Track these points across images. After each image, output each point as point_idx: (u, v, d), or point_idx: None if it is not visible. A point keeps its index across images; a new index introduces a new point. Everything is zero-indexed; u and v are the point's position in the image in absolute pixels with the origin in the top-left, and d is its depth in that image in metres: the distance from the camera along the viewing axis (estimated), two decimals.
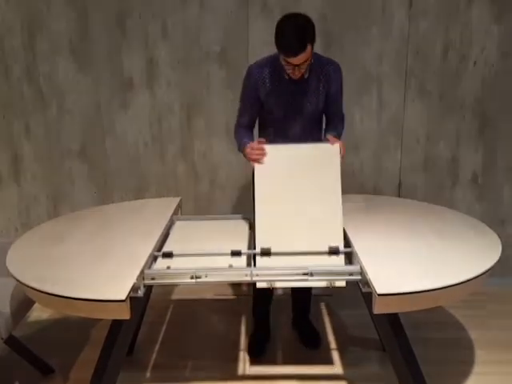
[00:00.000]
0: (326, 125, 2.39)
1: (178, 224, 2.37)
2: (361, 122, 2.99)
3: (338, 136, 2.26)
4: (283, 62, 2.06)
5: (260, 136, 2.32)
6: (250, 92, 2.22)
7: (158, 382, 2.37)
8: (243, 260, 1.91)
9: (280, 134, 2.27)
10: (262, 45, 2.84)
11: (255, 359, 2.50)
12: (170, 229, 2.31)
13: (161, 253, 1.97)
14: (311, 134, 2.30)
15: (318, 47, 2.84)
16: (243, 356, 2.54)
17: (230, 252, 1.95)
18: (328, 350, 2.57)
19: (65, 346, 2.65)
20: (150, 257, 1.88)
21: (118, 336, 1.82)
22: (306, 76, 2.17)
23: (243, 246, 2.03)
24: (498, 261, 1.81)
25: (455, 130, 2.99)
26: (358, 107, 2.97)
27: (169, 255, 1.95)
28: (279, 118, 2.25)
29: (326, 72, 2.21)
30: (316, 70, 2.20)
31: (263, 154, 2.08)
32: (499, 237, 2.00)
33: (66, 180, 3.14)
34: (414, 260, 1.80)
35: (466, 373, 2.37)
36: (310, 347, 2.59)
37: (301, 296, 2.68)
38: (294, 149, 2.09)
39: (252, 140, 2.20)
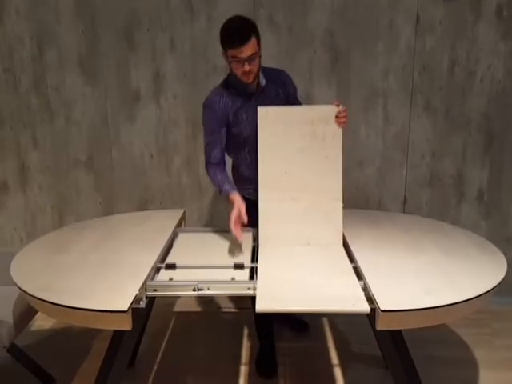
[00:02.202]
0: None
1: (181, 236, 2.37)
2: (366, 138, 3.00)
3: None
4: (232, 62, 2.09)
5: (235, 161, 2.41)
6: (218, 121, 2.23)
7: None
8: (246, 273, 1.90)
9: (255, 150, 2.21)
10: (268, 59, 2.85)
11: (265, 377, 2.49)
12: (174, 241, 2.31)
13: (164, 264, 1.97)
14: None
15: (325, 62, 2.87)
16: (245, 369, 2.52)
17: (232, 265, 1.95)
18: (330, 366, 2.55)
19: (66, 356, 2.65)
20: (152, 268, 1.88)
21: (119, 347, 1.82)
22: (263, 84, 2.25)
23: (246, 259, 2.03)
24: (504, 279, 1.79)
25: (461, 147, 2.99)
26: (363, 123, 2.97)
27: (172, 267, 1.95)
28: (249, 135, 2.26)
29: (280, 79, 2.32)
30: (271, 79, 2.29)
31: (238, 227, 2.12)
32: (505, 255, 1.99)
33: (71, 190, 3.15)
34: (418, 277, 1.79)
35: None
36: (300, 332, 2.82)
37: None
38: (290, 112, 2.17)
39: (229, 181, 2.28)
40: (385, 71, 2.89)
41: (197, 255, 2.10)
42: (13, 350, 2.18)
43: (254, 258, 2.07)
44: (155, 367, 2.56)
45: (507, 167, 3.00)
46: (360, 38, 2.85)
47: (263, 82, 2.25)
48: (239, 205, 2.15)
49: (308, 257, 1.96)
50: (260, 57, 2.13)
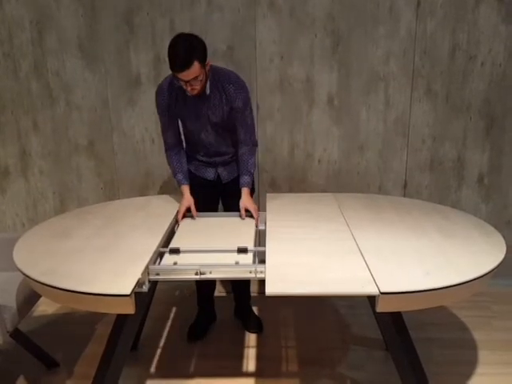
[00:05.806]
0: (240, 152, 2.46)
1: (184, 221, 2.38)
2: (367, 122, 2.99)
3: (251, 176, 2.47)
4: (175, 78, 2.16)
5: (186, 146, 2.56)
6: (165, 108, 2.35)
7: (162, 377, 2.38)
8: (249, 257, 1.92)
9: (199, 143, 2.47)
10: (269, 43, 2.85)
11: (194, 341, 2.65)
12: (176, 225, 2.32)
13: (168, 249, 1.98)
14: (224, 140, 2.47)
15: (326, 46, 2.86)
16: (248, 352, 2.55)
17: (236, 249, 1.96)
18: (331, 348, 2.58)
19: (70, 340, 2.67)
20: (155, 253, 1.90)
21: (122, 331, 1.84)
22: (207, 92, 2.28)
23: (249, 243, 2.04)
24: (503, 261, 1.81)
25: (462, 131, 2.99)
26: (364, 107, 2.97)
27: (176, 251, 1.96)
28: (193, 129, 2.42)
29: (226, 90, 2.30)
30: (217, 86, 2.30)
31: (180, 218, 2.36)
32: (505, 238, 2.00)
33: (73, 176, 3.15)
34: (418, 259, 1.80)
35: (469, 373, 2.37)
36: (253, 331, 2.73)
37: (240, 283, 2.78)
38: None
39: (183, 169, 2.46)
40: (386, 55, 2.88)
41: (200, 240, 2.11)
42: (16, 334, 2.20)
43: (258, 242, 2.08)
44: (158, 351, 2.59)
45: (507, 151, 3.00)
46: (361, 22, 2.83)
47: (208, 91, 2.28)
48: (189, 202, 2.39)
49: (316, 240, 1.97)
50: (207, 72, 2.20)
